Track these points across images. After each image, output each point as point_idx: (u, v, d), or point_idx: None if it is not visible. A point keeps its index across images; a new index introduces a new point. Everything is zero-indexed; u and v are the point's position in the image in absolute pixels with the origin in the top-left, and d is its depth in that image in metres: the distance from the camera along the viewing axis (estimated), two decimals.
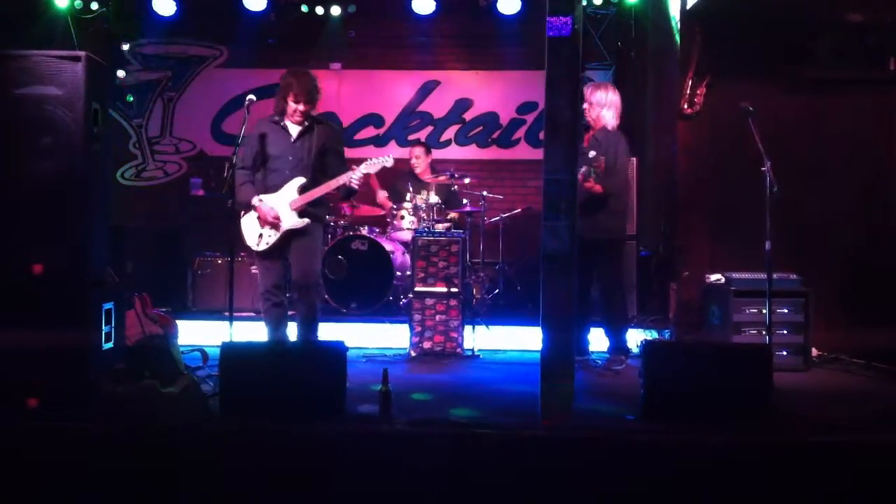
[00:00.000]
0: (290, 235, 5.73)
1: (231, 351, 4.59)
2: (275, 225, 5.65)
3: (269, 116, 5.86)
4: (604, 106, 6.35)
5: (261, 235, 5.70)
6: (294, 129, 5.78)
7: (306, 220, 5.70)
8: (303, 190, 5.70)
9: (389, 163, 5.90)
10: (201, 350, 6.11)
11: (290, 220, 5.68)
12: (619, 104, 6.44)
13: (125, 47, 9.33)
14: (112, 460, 4.00)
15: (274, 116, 5.82)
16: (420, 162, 8.52)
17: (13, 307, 4.45)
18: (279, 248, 5.74)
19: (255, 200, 5.66)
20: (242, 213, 5.78)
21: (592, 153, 6.16)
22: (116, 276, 5.57)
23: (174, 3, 8.56)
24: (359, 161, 5.85)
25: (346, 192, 5.93)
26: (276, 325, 5.85)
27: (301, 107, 5.69)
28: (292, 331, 6.01)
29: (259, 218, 5.69)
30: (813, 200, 7.01)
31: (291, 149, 5.76)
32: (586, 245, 5.70)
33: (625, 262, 6.88)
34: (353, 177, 5.70)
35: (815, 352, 6.59)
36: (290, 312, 6.02)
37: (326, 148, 5.84)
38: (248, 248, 5.88)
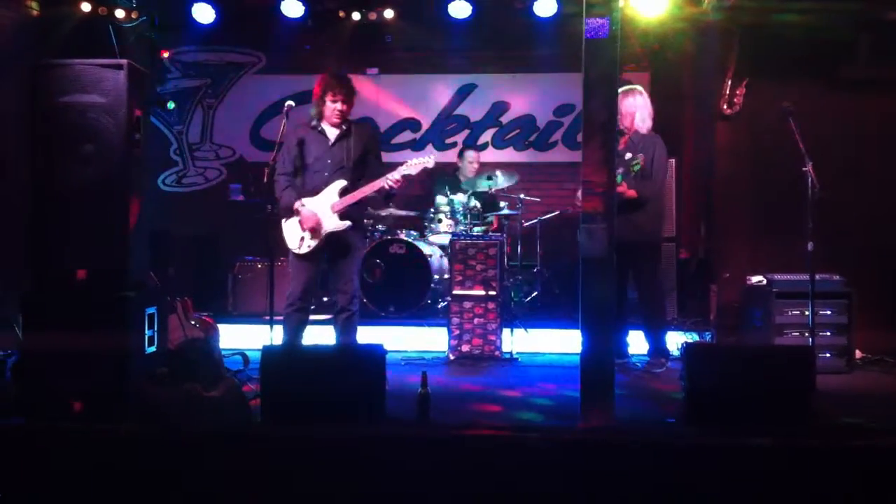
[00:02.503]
0: (332, 242, 5.72)
1: (272, 354, 4.63)
2: (315, 230, 5.65)
3: (306, 122, 5.88)
4: (634, 112, 6.35)
5: (302, 239, 5.68)
6: (332, 133, 5.78)
7: (347, 223, 5.68)
8: (343, 193, 5.69)
9: (430, 164, 5.83)
10: (242, 354, 6.16)
11: (332, 223, 5.67)
12: (649, 106, 6.42)
13: (165, 55, 9.44)
14: (154, 463, 4.05)
15: (311, 121, 5.82)
16: (475, 166, 8.61)
17: (57, 311, 4.53)
18: (320, 251, 5.74)
19: (297, 205, 5.67)
20: (285, 217, 5.77)
21: (629, 155, 6.16)
22: (158, 280, 5.64)
23: (213, 11, 8.62)
24: (396, 166, 5.85)
25: (386, 195, 5.91)
26: (296, 330, 5.79)
27: (339, 105, 5.70)
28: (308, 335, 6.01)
29: (301, 222, 5.69)
30: (854, 200, 6.93)
31: (329, 152, 5.76)
32: (622, 247, 5.68)
33: (662, 264, 6.82)
34: (391, 179, 5.66)
35: (858, 354, 6.50)
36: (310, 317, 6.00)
37: (366, 150, 5.85)
38: (287, 253, 5.88)
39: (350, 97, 5.75)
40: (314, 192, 5.71)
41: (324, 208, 5.67)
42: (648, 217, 6.29)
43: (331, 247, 5.75)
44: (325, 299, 7.35)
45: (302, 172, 5.78)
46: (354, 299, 5.86)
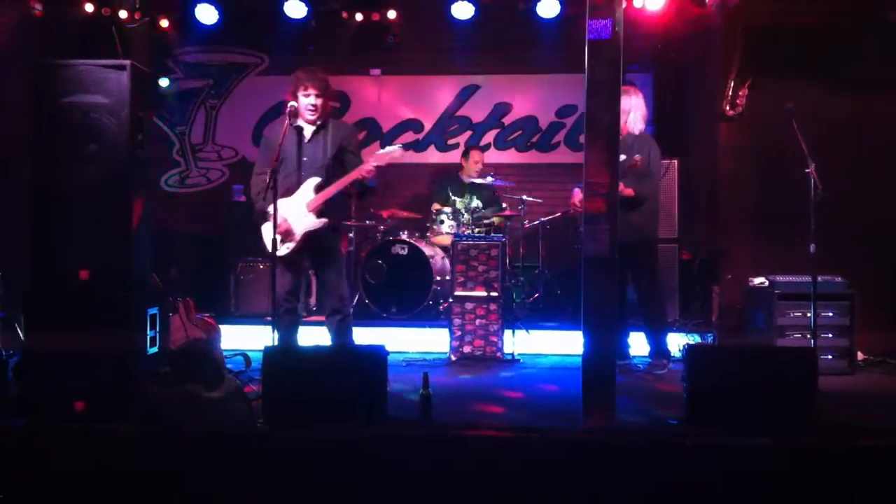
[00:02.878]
0: (311, 243, 5.63)
1: (273, 355, 4.63)
2: (287, 233, 5.52)
3: (279, 120, 5.78)
4: (628, 111, 6.30)
5: (281, 241, 5.56)
6: (307, 130, 5.67)
7: (324, 220, 5.57)
8: (319, 189, 5.58)
9: (398, 153, 5.67)
10: (244, 354, 6.17)
11: (309, 222, 5.57)
12: (643, 106, 6.41)
13: (168, 55, 9.44)
14: (156, 463, 4.06)
15: (286, 119, 5.69)
16: (480, 167, 8.62)
17: (60, 311, 4.53)
18: (299, 252, 5.63)
19: (269, 208, 5.53)
20: (262, 220, 5.70)
21: (623, 157, 6.13)
22: (161, 281, 5.65)
23: (216, 12, 8.62)
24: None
25: (362, 189, 5.77)
26: (289, 332, 5.73)
27: (312, 100, 5.58)
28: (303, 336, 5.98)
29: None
30: (857, 202, 6.93)
31: (304, 149, 5.62)
32: (620, 247, 5.68)
33: (660, 265, 6.82)
34: (363, 170, 5.53)
35: (860, 355, 6.50)
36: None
37: (343, 146, 5.71)
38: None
39: (323, 91, 5.62)
40: (290, 191, 5.58)
41: (299, 207, 5.55)
42: (645, 217, 6.28)
43: (311, 248, 5.66)
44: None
45: (279, 172, 5.62)
46: (346, 300, 5.80)
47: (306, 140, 5.66)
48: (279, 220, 5.50)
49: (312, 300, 8.15)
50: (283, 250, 5.60)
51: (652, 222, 6.39)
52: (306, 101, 5.60)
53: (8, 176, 6.82)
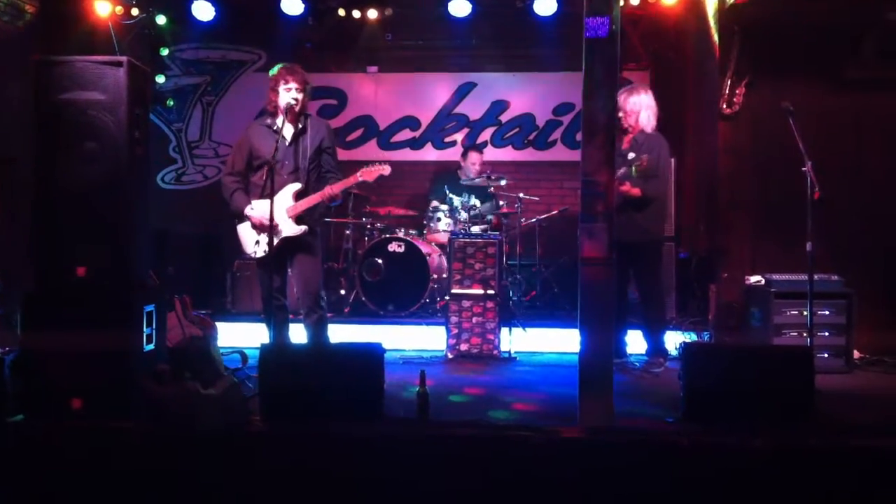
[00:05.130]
0: (290, 246, 5.60)
1: (270, 353, 4.62)
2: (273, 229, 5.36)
3: (259, 120, 5.76)
4: (639, 110, 6.29)
5: (258, 242, 5.54)
6: (287, 132, 5.59)
7: (304, 228, 5.55)
8: (299, 196, 5.55)
9: (386, 171, 5.70)
10: (241, 352, 6.16)
11: (287, 228, 5.53)
12: (653, 105, 6.36)
13: (165, 52, 9.43)
14: (153, 460, 4.05)
15: (265, 119, 5.69)
16: (478, 168, 8.61)
17: (57, 309, 4.52)
18: (278, 254, 5.53)
19: (247, 210, 5.55)
20: (237, 221, 5.68)
21: (632, 154, 6.12)
22: (157, 278, 5.63)
23: (213, 9, 8.62)
24: (355, 165, 5.77)
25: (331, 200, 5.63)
26: (279, 328, 5.72)
27: (294, 93, 5.52)
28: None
29: (253, 226, 5.58)
30: (855, 201, 6.94)
31: (286, 152, 5.55)
32: (624, 247, 5.66)
33: (663, 264, 6.81)
34: (347, 188, 5.56)
35: (857, 354, 6.50)
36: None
37: (322, 147, 5.68)
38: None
39: (303, 86, 5.59)
40: (269, 193, 5.33)
41: (278, 211, 5.43)
42: (651, 217, 6.25)
43: (289, 250, 5.64)
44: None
45: (256, 173, 5.63)
46: (322, 300, 5.75)
47: (286, 143, 5.58)
48: (257, 220, 5.52)
49: None
50: (260, 252, 5.56)
51: (658, 223, 6.37)
52: (287, 95, 5.54)
53: (12, 174, 6.80)
